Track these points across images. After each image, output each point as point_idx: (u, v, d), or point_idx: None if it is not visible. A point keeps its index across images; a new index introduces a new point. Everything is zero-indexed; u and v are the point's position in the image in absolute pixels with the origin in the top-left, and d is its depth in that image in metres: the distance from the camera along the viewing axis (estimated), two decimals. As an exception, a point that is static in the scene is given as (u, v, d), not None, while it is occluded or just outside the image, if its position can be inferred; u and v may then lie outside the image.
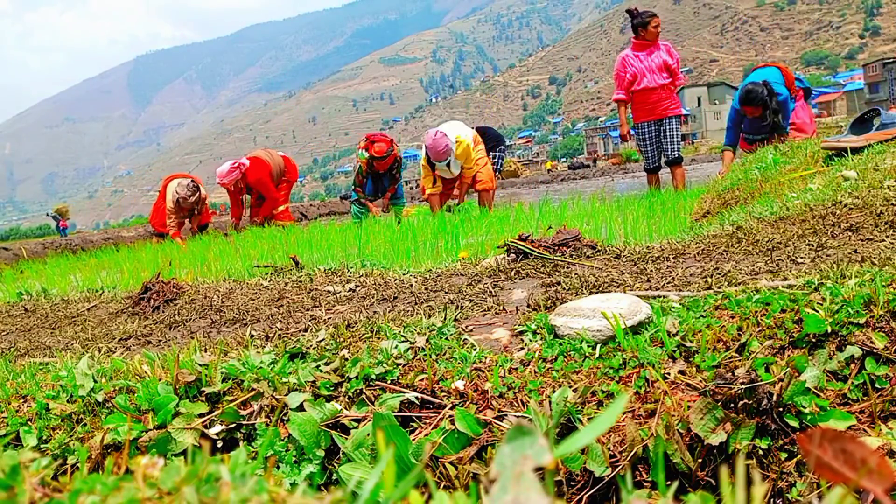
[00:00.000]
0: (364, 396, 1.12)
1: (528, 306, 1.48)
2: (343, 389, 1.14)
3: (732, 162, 5.80)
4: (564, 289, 1.61)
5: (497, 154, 6.97)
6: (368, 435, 1.01)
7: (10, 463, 0.40)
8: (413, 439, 1.01)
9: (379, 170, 6.75)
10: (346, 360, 1.20)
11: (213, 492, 0.37)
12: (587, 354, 1.13)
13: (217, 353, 1.32)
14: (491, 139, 6.91)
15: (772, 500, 0.91)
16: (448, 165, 5.99)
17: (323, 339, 1.34)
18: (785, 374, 0.96)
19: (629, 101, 6.09)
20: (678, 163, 6.01)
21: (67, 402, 1.21)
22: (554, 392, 1.04)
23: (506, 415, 1.03)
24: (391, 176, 6.92)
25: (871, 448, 0.35)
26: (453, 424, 1.01)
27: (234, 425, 1.11)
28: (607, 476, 0.94)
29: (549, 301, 1.48)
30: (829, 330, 1.04)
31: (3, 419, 1.21)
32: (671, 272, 1.64)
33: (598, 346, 1.14)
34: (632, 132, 6.25)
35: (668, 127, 5.98)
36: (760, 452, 0.92)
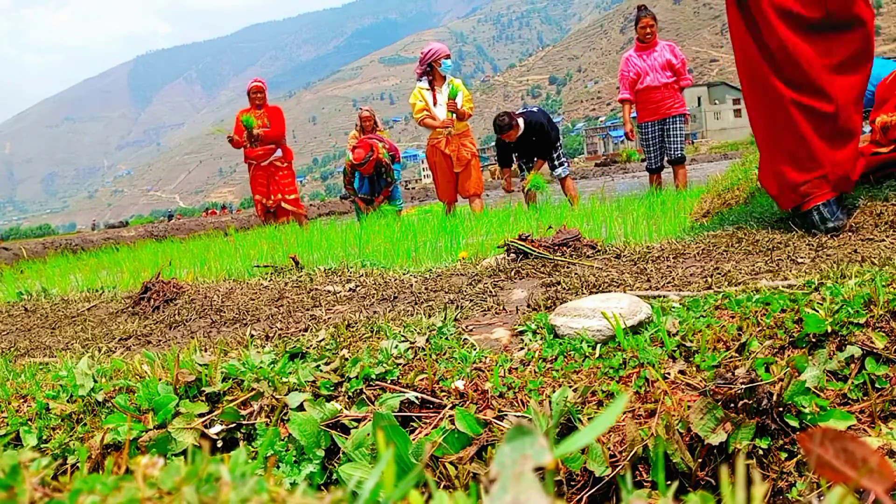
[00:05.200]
0: (364, 396, 1.12)
1: (528, 306, 1.48)
2: (343, 389, 1.14)
3: None
4: (564, 289, 1.61)
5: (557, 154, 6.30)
6: (368, 435, 1.01)
7: (10, 463, 0.40)
8: (413, 439, 1.01)
9: (363, 173, 6.72)
10: (346, 359, 1.20)
11: (213, 492, 0.37)
12: (587, 354, 1.13)
13: (217, 353, 1.32)
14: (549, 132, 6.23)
15: (772, 499, 0.91)
16: None
17: (323, 339, 1.34)
18: (785, 373, 0.96)
19: (634, 102, 6.09)
20: (681, 162, 6.02)
21: (67, 401, 1.21)
22: (554, 392, 1.04)
23: (506, 415, 1.03)
24: (382, 178, 6.93)
25: (871, 448, 0.35)
26: (453, 424, 1.01)
27: (234, 425, 1.11)
28: (607, 476, 0.94)
29: (549, 301, 1.48)
30: (829, 330, 1.04)
31: (3, 419, 1.21)
32: (671, 272, 1.64)
33: (599, 345, 1.14)
34: (635, 131, 6.24)
35: (671, 126, 5.98)
36: (760, 452, 0.92)
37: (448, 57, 5.96)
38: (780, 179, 1.99)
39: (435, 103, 5.92)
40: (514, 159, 6.41)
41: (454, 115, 5.84)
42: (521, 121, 6.00)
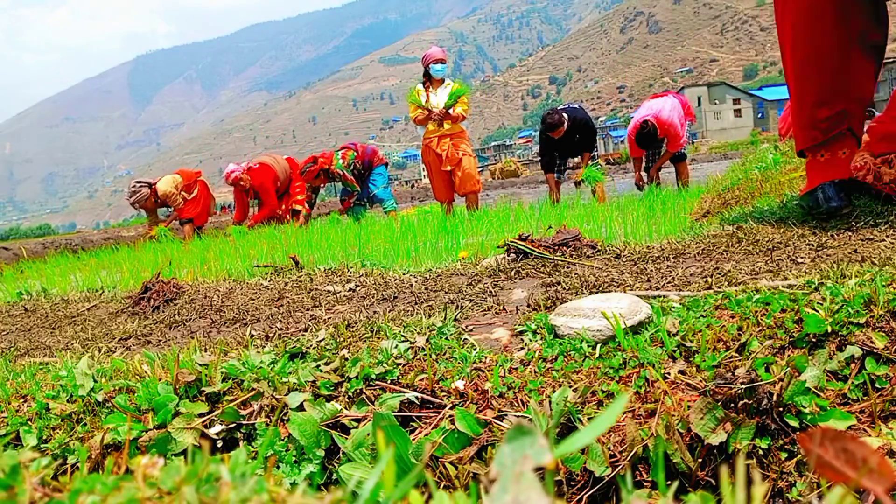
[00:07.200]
0: (364, 396, 1.12)
1: (528, 306, 1.48)
2: (343, 389, 1.14)
3: None
4: (564, 289, 1.61)
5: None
6: (368, 435, 1.01)
7: (10, 463, 0.40)
8: (413, 439, 1.01)
9: (305, 181, 7.43)
10: (346, 359, 1.20)
11: (213, 492, 0.37)
12: (587, 354, 1.13)
13: (217, 353, 1.32)
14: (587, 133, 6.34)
15: (772, 499, 0.91)
16: None
17: (323, 339, 1.34)
18: (785, 373, 0.96)
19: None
20: (682, 159, 6.15)
21: (67, 401, 1.21)
22: (554, 392, 1.04)
23: (506, 415, 1.03)
24: (344, 185, 7.20)
25: (871, 448, 0.35)
26: (453, 424, 1.01)
27: (234, 425, 1.11)
28: (607, 476, 0.94)
29: (549, 301, 1.48)
30: (829, 330, 1.04)
31: (3, 419, 1.21)
32: (671, 272, 1.64)
33: (599, 345, 1.14)
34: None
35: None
36: (760, 452, 0.92)
37: (439, 62, 6.02)
38: (806, 117, 2.01)
39: (427, 102, 6.02)
40: (556, 158, 6.49)
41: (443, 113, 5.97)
42: (566, 115, 6.13)
